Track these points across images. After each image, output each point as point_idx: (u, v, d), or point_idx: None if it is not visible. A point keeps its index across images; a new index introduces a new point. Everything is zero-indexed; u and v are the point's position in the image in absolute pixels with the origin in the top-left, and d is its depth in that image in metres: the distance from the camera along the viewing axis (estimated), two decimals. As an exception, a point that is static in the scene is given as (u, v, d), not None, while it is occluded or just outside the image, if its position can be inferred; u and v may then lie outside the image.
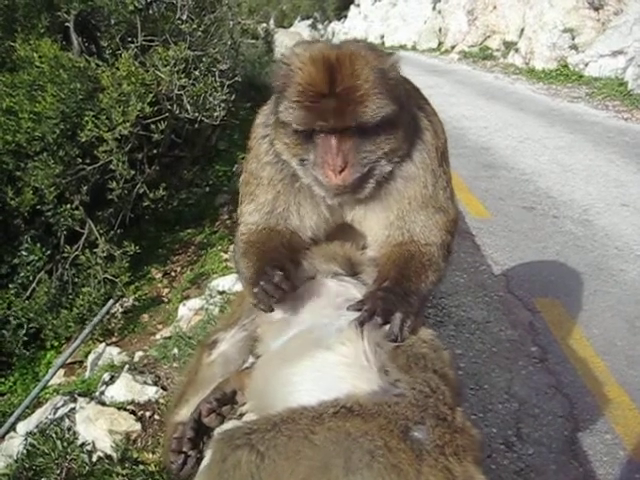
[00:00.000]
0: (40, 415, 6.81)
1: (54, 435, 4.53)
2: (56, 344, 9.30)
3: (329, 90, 2.00)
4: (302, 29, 55.22)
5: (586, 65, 19.04)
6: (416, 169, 2.27)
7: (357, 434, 1.58)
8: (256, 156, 2.39)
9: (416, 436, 1.63)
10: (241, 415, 2.23)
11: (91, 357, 8.28)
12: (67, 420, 6.21)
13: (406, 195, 2.28)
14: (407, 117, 2.21)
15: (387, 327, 1.99)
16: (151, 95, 8.55)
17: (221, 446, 1.68)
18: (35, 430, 5.49)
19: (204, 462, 1.89)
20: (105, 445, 5.08)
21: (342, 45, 2.20)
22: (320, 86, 2.01)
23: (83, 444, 4.27)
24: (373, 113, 2.01)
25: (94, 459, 4.37)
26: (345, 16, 58.37)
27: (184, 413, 2.28)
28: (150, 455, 4.02)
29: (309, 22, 61.15)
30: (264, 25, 23.76)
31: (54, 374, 7.79)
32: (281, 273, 2.08)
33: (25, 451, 4.56)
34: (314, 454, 1.56)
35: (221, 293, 7.34)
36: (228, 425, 2.02)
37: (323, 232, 2.44)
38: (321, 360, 1.89)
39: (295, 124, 2.07)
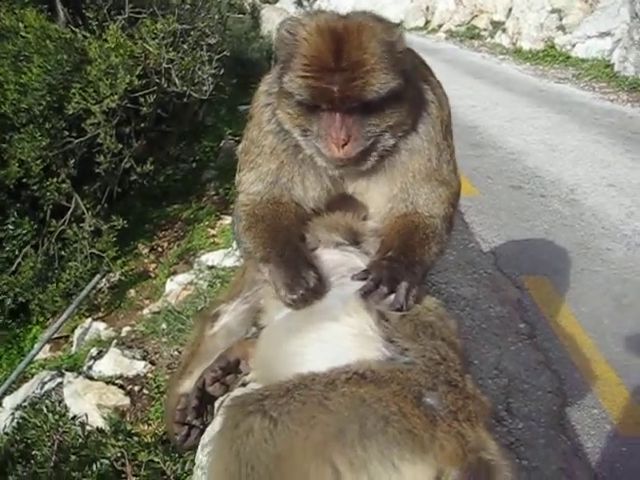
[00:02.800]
0: (27, 389, 6.79)
1: (45, 408, 4.49)
2: (41, 319, 9.23)
3: (335, 63, 1.96)
4: (288, 5, 54.55)
5: (573, 46, 19.06)
6: (421, 142, 2.26)
7: (371, 400, 1.59)
8: (258, 124, 2.35)
9: (429, 402, 1.64)
10: (244, 384, 2.23)
11: (77, 332, 8.25)
12: (55, 395, 6.20)
13: (410, 168, 2.27)
14: (413, 90, 2.19)
15: (392, 296, 1.98)
16: (139, 68, 8.46)
17: (233, 412, 1.67)
18: (25, 404, 5.46)
19: (215, 428, 1.89)
20: (94, 419, 5.08)
21: (349, 16, 2.15)
22: (326, 59, 1.98)
23: (75, 417, 4.24)
24: (379, 88, 1.98)
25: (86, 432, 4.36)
26: (332, -7, 57.82)
27: (187, 385, 2.28)
28: (145, 427, 4.01)
29: (295, -1, 60.48)
30: (250, 0, 23.51)
31: (40, 348, 7.75)
32: (316, 276, 2.05)
33: (16, 424, 4.54)
34: (329, 419, 1.56)
35: (210, 268, 7.33)
36: (238, 392, 2.02)
37: (325, 203, 2.42)
38: (327, 331, 1.88)
39: (299, 96, 2.04)
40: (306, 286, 2.02)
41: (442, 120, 2.32)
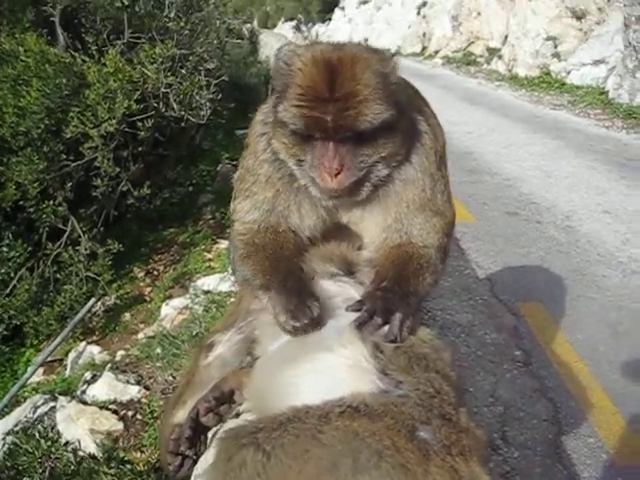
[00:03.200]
0: (19, 414, 6.72)
1: (37, 434, 4.45)
2: (35, 342, 9.18)
3: (329, 93, 1.99)
4: (286, 31, 55.21)
5: (568, 73, 19.26)
6: (415, 172, 2.27)
7: (365, 434, 1.58)
8: (254, 153, 2.37)
9: (423, 436, 1.63)
10: (238, 415, 2.22)
11: (71, 356, 8.20)
12: (47, 419, 6.14)
13: (404, 198, 2.28)
14: (406, 121, 2.21)
15: (386, 327, 1.98)
16: (138, 92, 8.51)
17: (226, 445, 1.66)
18: (17, 429, 5.41)
19: (208, 460, 1.88)
20: (86, 444, 5.03)
21: (344, 47, 2.18)
22: (320, 89, 2.00)
23: (67, 443, 4.21)
24: (372, 119, 2.00)
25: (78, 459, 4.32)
26: (329, 19, 58.41)
27: (181, 415, 2.27)
28: (138, 454, 3.98)
29: (293, 24, 61.14)
30: (249, 25, 23.74)
31: (34, 372, 7.70)
32: (318, 305, 2.06)
33: (7, 450, 4.50)
34: (322, 453, 1.55)
35: (206, 293, 7.31)
36: (231, 424, 2.01)
37: (320, 232, 2.43)
38: (322, 361, 1.88)
39: (293, 125, 2.06)
40: (310, 315, 2.02)
41: (436, 151, 2.34)
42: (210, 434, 2.27)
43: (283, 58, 2.20)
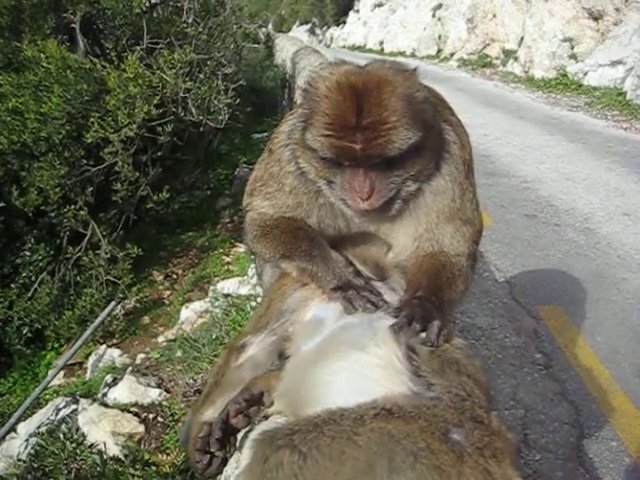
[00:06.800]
0: (42, 416, 6.80)
1: (62, 435, 4.52)
2: (57, 345, 9.29)
3: (356, 122, 1.98)
4: (301, 34, 55.33)
5: (585, 74, 19.13)
6: (444, 183, 2.28)
7: (400, 435, 1.60)
8: (278, 161, 2.38)
9: (456, 438, 1.65)
10: (267, 417, 2.25)
11: (92, 359, 8.28)
12: (70, 421, 6.21)
13: (434, 208, 2.29)
14: (434, 134, 2.20)
15: (424, 334, 2.00)
16: (157, 97, 8.59)
17: (262, 447, 1.69)
18: (42, 430, 5.48)
19: (242, 462, 1.91)
20: (109, 447, 5.08)
21: (368, 69, 2.17)
22: (347, 118, 2.00)
23: (92, 445, 4.26)
24: (400, 145, 2.00)
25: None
26: (344, 22, 58.36)
27: (210, 414, 2.30)
28: (163, 457, 4.02)
29: (308, 27, 61.24)
30: (264, 29, 23.82)
31: (55, 375, 7.78)
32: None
33: (33, 451, 4.56)
34: (358, 455, 1.58)
35: (226, 296, 7.35)
36: (266, 426, 2.03)
37: (342, 238, 2.45)
38: (355, 361, 1.90)
39: (322, 154, 2.08)
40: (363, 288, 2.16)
41: (464, 160, 2.35)
42: (239, 435, 2.30)
43: (308, 80, 2.21)
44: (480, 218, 2.46)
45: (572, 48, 20.51)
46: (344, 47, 49.15)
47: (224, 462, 2.27)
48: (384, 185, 2.08)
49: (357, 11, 55.60)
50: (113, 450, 5.13)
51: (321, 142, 2.04)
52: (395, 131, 1.98)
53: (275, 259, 2.39)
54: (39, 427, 6.32)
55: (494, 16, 28.11)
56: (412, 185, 2.18)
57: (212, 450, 2.23)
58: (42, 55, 8.13)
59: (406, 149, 2.02)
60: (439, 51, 34.26)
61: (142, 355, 7.82)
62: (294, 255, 2.29)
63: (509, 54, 25.39)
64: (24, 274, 8.76)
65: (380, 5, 48.84)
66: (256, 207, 2.47)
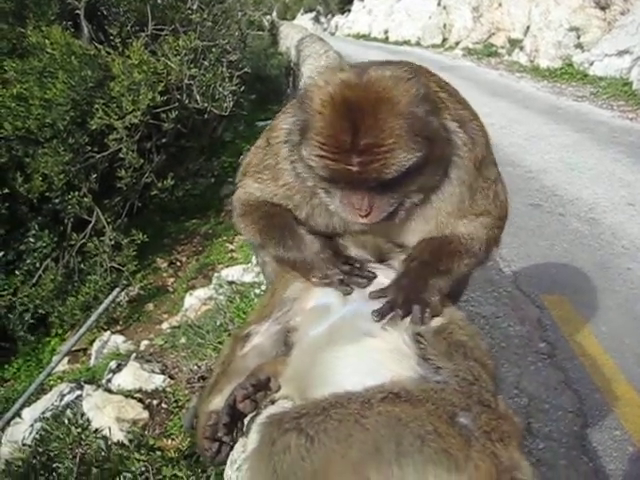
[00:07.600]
0: (46, 402, 6.83)
1: (67, 420, 4.53)
2: (61, 332, 9.32)
3: (351, 144, 1.89)
4: (305, 22, 55.07)
5: (591, 64, 19.02)
6: (452, 188, 2.19)
7: (407, 419, 1.60)
8: (275, 154, 2.32)
9: (463, 422, 1.65)
10: (273, 401, 2.26)
11: (96, 345, 8.31)
12: (74, 407, 6.24)
13: (443, 211, 2.23)
14: (440, 146, 2.07)
15: (408, 319, 2.01)
16: (161, 84, 8.58)
17: (270, 429, 1.70)
18: (47, 416, 5.51)
19: (250, 445, 1.91)
20: (113, 432, 5.11)
21: (367, 79, 1.99)
22: (342, 139, 1.90)
23: (97, 430, 4.28)
24: (399, 168, 1.91)
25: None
26: (349, 10, 58.01)
27: (217, 402, 2.30)
28: (169, 442, 4.04)
29: (312, 15, 60.93)
30: (269, 17, 23.72)
31: (60, 361, 7.81)
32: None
33: (38, 436, 4.58)
34: (366, 438, 1.58)
35: (230, 283, 7.36)
36: (273, 409, 2.04)
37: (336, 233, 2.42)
38: (362, 345, 1.91)
39: (319, 172, 2.02)
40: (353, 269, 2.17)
41: (475, 158, 2.22)
42: (246, 421, 2.30)
43: (305, 86, 2.14)
44: (498, 206, 2.35)
45: (578, 37, 20.38)
46: (349, 35, 48.81)
47: (232, 449, 2.28)
48: (384, 202, 2.02)
49: (362, -1, 55.30)
50: (118, 435, 5.15)
51: (316, 162, 1.97)
52: (393, 153, 1.88)
53: (255, 246, 2.39)
54: (44, 413, 6.35)
55: (500, 5, 27.92)
56: (415, 197, 2.10)
57: (220, 436, 2.23)
58: (46, 41, 8.11)
59: (406, 170, 1.93)
60: (444, 40, 34.04)
61: (146, 342, 7.83)
62: (269, 246, 2.30)
63: (515, 43, 25.22)
64: (28, 261, 8.78)
65: (385, -7, 48.53)
66: (245, 186, 2.45)
